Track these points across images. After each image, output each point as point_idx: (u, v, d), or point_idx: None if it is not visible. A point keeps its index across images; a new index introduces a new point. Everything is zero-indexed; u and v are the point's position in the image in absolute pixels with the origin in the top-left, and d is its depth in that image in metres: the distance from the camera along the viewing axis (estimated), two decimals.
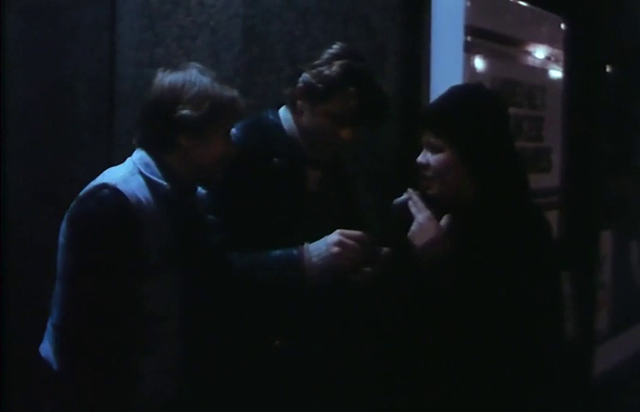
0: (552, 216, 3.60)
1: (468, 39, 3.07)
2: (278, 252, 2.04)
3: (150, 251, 1.81)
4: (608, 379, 4.27)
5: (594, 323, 4.21)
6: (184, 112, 1.82)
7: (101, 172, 1.88)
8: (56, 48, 2.59)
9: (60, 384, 1.81)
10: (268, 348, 2.07)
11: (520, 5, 3.53)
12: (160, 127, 1.85)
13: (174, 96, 1.83)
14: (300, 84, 2.11)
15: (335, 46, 2.14)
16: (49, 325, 1.87)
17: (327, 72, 2.07)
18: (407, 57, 3.02)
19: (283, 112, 2.17)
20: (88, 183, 2.57)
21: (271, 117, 2.17)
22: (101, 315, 1.75)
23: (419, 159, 2.01)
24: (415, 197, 2.01)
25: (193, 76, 1.85)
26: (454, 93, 2.06)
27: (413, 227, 1.98)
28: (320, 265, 2.02)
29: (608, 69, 4.37)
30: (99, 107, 2.63)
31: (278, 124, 2.15)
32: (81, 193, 1.82)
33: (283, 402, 2.07)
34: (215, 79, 1.89)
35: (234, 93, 1.91)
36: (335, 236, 2.03)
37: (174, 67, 1.89)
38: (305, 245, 2.05)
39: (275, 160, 2.10)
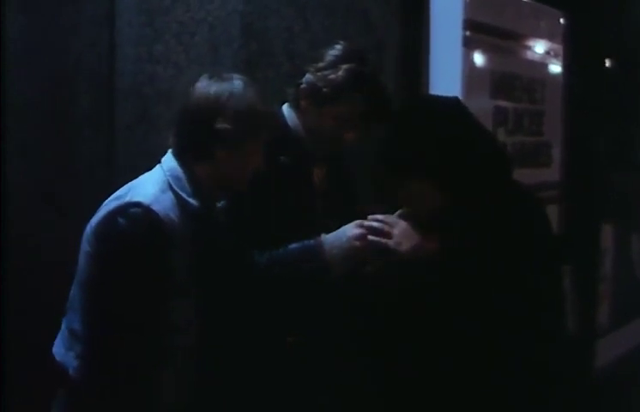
0: (553, 210, 3.61)
1: (468, 33, 3.08)
2: (295, 245, 2.03)
3: (178, 271, 1.81)
4: (609, 373, 4.27)
5: (594, 316, 4.21)
6: (226, 125, 1.81)
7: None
8: (55, 44, 2.59)
9: (76, 388, 1.79)
10: (281, 345, 2.06)
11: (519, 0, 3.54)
12: (199, 136, 1.84)
13: (218, 107, 1.82)
14: (304, 85, 2.10)
15: (338, 47, 2.13)
16: (64, 328, 1.85)
17: (333, 76, 2.06)
18: (407, 52, 3.02)
19: (287, 111, 2.16)
20: (88, 181, 2.61)
21: (280, 114, 2.16)
22: (128, 330, 1.74)
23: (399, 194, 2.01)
24: (379, 218, 2.00)
25: (239, 89, 1.85)
26: (400, 131, 2.01)
27: (392, 242, 1.97)
28: (342, 256, 2.01)
29: (608, 63, 4.37)
30: (98, 103, 2.63)
31: (284, 122, 2.14)
32: (112, 206, 1.79)
33: (295, 400, 2.06)
34: (258, 92, 1.88)
35: (273, 109, 1.93)
36: (355, 229, 2.02)
37: (219, 76, 1.88)
38: (323, 235, 2.04)
39: (282, 158, 2.09)
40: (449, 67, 3.04)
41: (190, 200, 1.83)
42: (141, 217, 1.75)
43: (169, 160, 1.87)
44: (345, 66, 2.07)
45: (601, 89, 4.16)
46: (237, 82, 1.86)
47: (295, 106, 2.15)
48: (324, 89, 2.07)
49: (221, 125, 1.81)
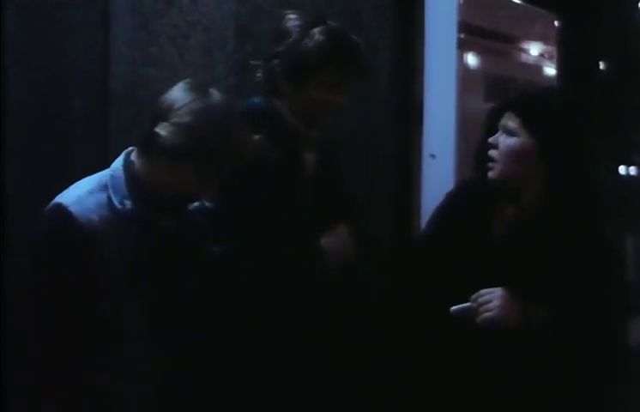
0: None
1: (461, 35, 3.09)
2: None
3: (106, 273, 1.74)
4: None
5: None
6: (164, 132, 1.70)
7: (96, 170, 1.87)
8: (49, 46, 2.58)
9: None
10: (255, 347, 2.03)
11: (513, 2, 3.55)
12: (146, 135, 1.77)
13: (164, 112, 1.73)
14: (282, 69, 2.01)
15: (292, 17, 2.04)
16: None
17: (312, 45, 1.97)
18: (401, 54, 3.03)
19: (270, 101, 2.07)
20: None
21: (263, 104, 2.08)
22: (59, 334, 1.73)
23: (491, 139, 2.01)
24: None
25: (198, 105, 1.72)
26: (543, 89, 2.13)
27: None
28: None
29: (601, 65, 4.38)
30: (93, 106, 2.63)
31: (274, 113, 2.06)
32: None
33: (274, 402, 2.04)
34: (226, 116, 1.76)
35: (248, 136, 1.79)
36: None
37: (196, 85, 1.79)
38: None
39: (275, 151, 2.01)
40: (443, 69, 3.05)
41: (116, 203, 1.76)
42: (56, 218, 1.75)
43: (118, 159, 1.83)
44: (317, 30, 1.99)
45: (594, 92, 4.17)
46: (202, 98, 1.74)
47: (274, 94, 2.06)
48: (309, 62, 1.98)
49: (160, 131, 1.71)
